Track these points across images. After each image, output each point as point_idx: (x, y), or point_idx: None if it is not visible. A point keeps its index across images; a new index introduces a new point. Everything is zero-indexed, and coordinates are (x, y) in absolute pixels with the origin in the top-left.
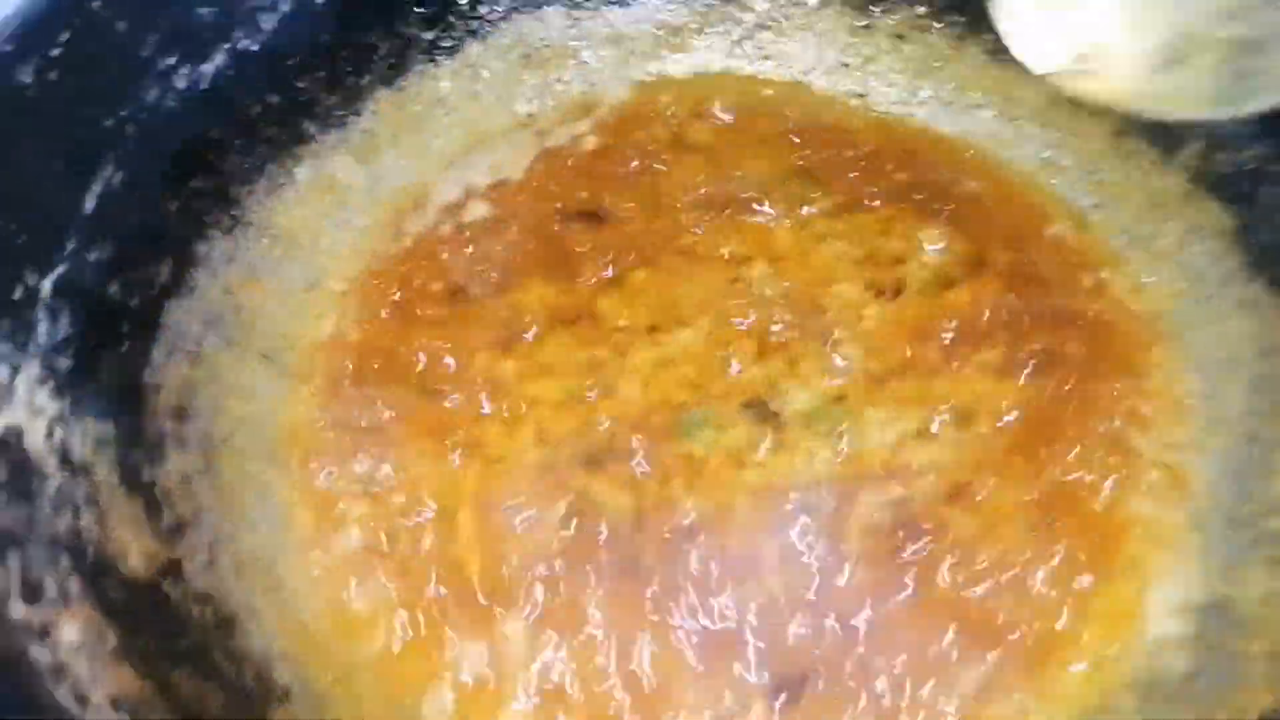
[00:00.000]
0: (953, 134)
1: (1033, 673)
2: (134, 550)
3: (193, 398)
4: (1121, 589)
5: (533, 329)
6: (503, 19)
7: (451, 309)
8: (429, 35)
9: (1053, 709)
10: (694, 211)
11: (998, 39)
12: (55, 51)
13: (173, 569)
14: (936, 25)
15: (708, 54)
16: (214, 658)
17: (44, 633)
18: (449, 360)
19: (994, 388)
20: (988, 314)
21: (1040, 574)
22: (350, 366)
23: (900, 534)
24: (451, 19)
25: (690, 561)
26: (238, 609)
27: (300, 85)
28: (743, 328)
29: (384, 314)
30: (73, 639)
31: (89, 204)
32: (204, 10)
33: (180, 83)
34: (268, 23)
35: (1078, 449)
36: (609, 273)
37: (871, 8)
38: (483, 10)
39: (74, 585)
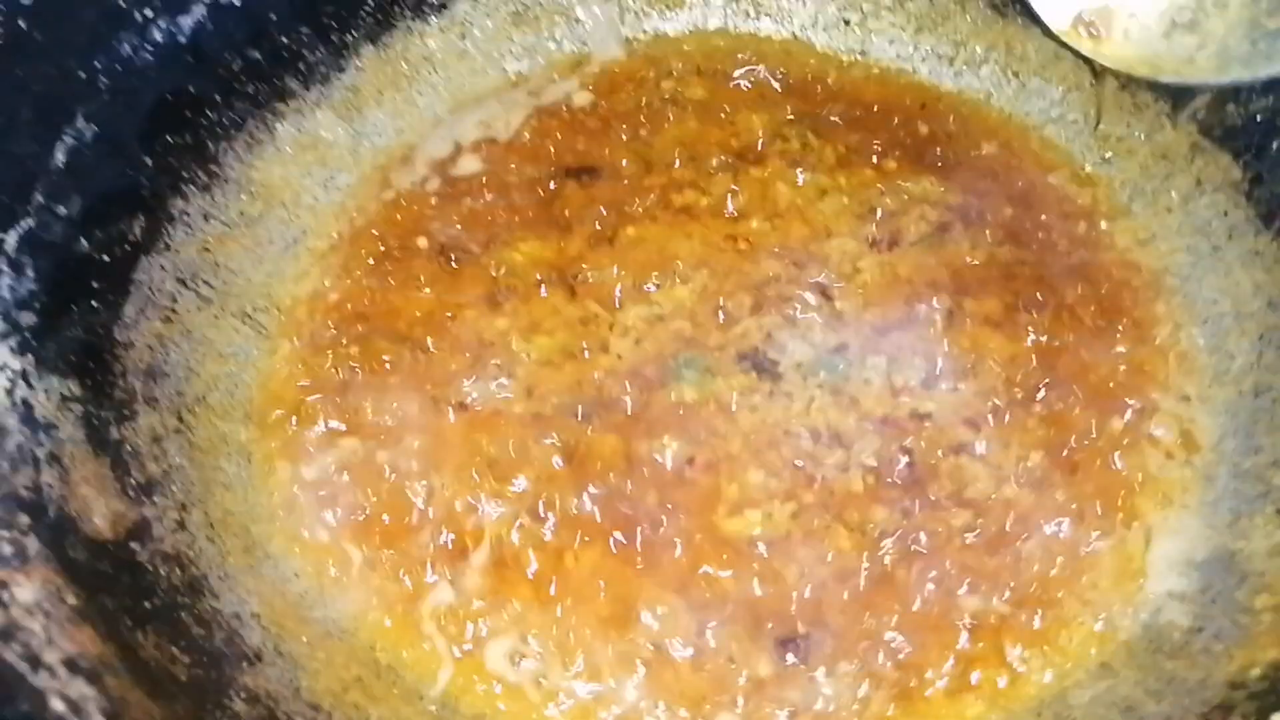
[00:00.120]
0: (955, 89)
1: (1035, 629)
2: (99, 509)
3: (166, 356)
4: (1126, 544)
5: (523, 286)
6: None
7: (439, 266)
8: None
9: (1055, 665)
10: (689, 169)
11: None
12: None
13: (141, 529)
14: None
15: (703, 10)
16: (182, 620)
17: None
18: (436, 317)
19: (995, 339)
20: (987, 266)
21: (1044, 529)
22: (333, 325)
23: (901, 485)
24: None
25: (681, 508)
26: (209, 570)
27: (282, 40)
28: (739, 282)
29: (369, 271)
30: (27, 599)
31: (59, 157)
32: None
33: (157, 35)
34: None
35: (1081, 403)
36: (602, 229)
37: None
38: None
39: (31, 544)
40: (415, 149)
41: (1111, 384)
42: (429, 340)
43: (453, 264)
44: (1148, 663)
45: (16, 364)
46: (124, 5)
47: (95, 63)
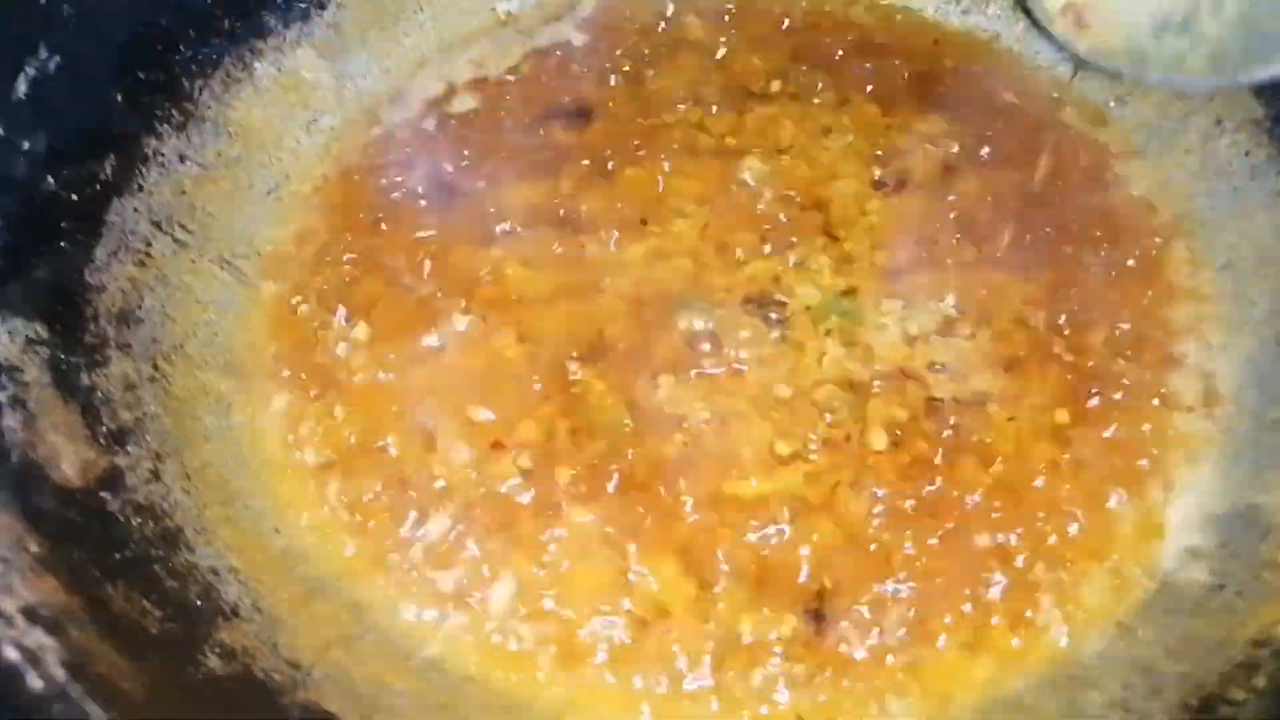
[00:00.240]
0: (963, 28)
1: (1050, 587)
2: (68, 456)
3: (139, 301)
4: (1145, 500)
5: (515, 225)
6: None
7: (428, 207)
8: None
9: (1070, 624)
10: (688, 109)
11: None
12: None
13: (113, 478)
14: None
15: None
16: (155, 572)
17: None
18: (424, 259)
19: (1009, 283)
20: (998, 209)
21: (1061, 484)
22: (317, 269)
23: (918, 440)
24: None
25: (685, 465)
26: (185, 523)
27: None
28: (742, 223)
29: (354, 214)
30: None
31: (20, 88)
32: None
33: None
34: None
35: (1098, 352)
36: (597, 168)
37: None
38: None
39: None
40: (402, 88)
41: (1129, 332)
42: (419, 281)
43: (441, 203)
44: (1166, 621)
45: None
46: None
47: None
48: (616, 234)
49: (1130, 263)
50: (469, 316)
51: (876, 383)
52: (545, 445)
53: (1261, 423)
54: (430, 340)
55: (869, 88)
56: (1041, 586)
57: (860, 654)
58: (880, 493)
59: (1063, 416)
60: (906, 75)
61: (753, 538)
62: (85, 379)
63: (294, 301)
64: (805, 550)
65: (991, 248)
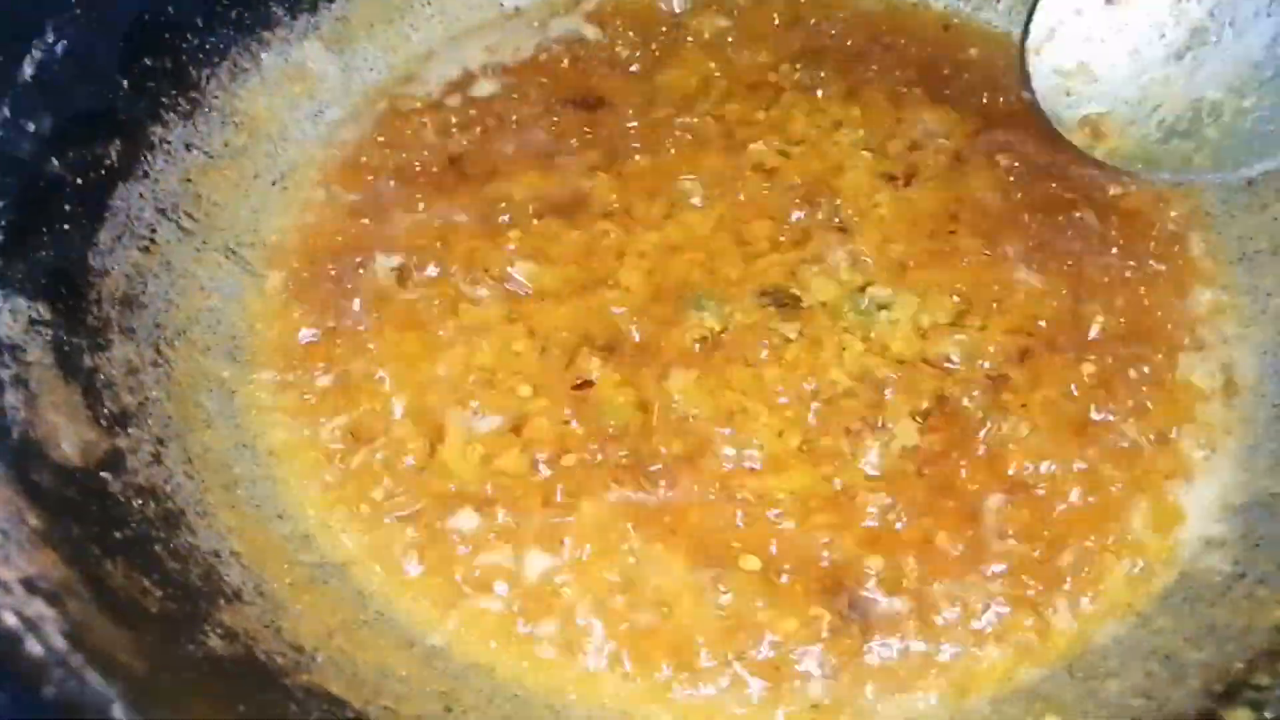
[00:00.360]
0: (972, 21)
1: (1069, 577)
2: (69, 436)
3: (144, 287)
4: (1163, 490)
5: (524, 216)
6: None
7: (435, 197)
8: None
9: (1089, 614)
10: (699, 100)
11: None
12: None
13: (114, 460)
14: None
15: None
16: (155, 552)
17: None
18: (434, 247)
19: (1022, 275)
20: (1009, 202)
21: (1079, 474)
22: (322, 261)
23: (936, 435)
24: None
25: (700, 464)
26: (186, 506)
27: None
28: (754, 215)
29: (360, 204)
30: None
31: (27, 70)
32: None
33: None
34: None
35: (1114, 342)
36: (608, 158)
37: None
38: None
39: None
40: (410, 78)
41: (1145, 324)
42: (427, 270)
43: (448, 194)
44: (1186, 610)
45: None
46: None
47: None
48: (630, 223)
49: (1145, 255)
50: (477, 308)
51: (892, 376)
52: (556, 438)
53: None
54: (439, 332)
55: (879, 81)
56: (1060, 577)
57: (877, 646)
58: (897, 486)
59: (1079, 407)
60: (916, 68)
61: (767, 531)
62: (88, 361)
63: (299, 291)
64: (821, 543)
65: (1003, 239)
